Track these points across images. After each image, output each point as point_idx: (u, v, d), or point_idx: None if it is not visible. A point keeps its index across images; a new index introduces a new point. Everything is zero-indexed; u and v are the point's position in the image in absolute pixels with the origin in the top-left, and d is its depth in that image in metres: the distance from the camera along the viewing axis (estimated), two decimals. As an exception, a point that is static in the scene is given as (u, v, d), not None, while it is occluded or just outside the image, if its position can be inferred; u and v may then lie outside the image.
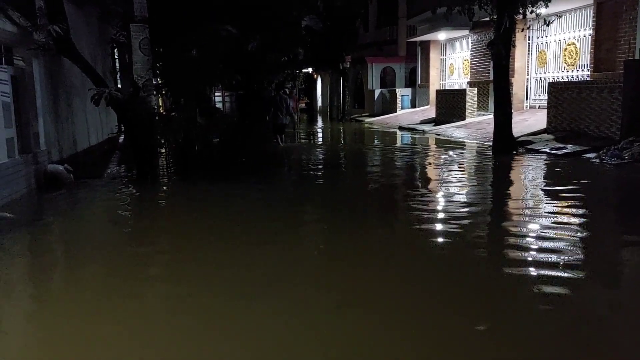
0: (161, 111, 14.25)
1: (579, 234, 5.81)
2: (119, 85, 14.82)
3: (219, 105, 39.31)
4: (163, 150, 12.28)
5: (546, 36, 17.16)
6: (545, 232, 5.82)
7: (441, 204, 7.68)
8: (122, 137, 15.47)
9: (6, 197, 7.77)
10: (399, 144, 16.71)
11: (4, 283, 4.93)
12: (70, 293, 4.59)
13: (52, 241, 6.59)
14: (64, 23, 9.44)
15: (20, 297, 4.61)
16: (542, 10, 12.27)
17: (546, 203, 7.45)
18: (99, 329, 3.77)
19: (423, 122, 20.91)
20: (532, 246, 5.39)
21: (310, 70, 36.78)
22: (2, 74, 8.18)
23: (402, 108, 26.00)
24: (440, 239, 5.96)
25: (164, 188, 9.70)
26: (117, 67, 15.94)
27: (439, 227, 6.40)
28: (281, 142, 16.02)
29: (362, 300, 4.16)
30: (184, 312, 4.02)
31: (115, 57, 16.27)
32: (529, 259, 5.02)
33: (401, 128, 20.91)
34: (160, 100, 15.67)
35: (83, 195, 8.97)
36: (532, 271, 4.69)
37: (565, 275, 4.53)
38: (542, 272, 4.61)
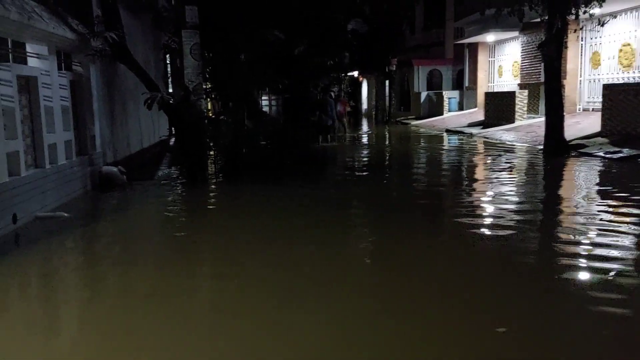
0: (210, 115, 14.53)
1: (636, 241, 5.62)
2: (170, 90, 15.19)
3: (265, 108, 39.79)
4: (212, 153, 12.52)
5: (600, 37, 16.64)
6: (601, 239, 5.64)
7: (491, 209, 7.53)
8: (172, 139, 15.85)
9: (63, 197, 8.09)
10: (446, 147, 16.51)
11: (59, 279, 5.15)
12: (122, 290, 4.75)
13: (106, 240, 6.81)
14: (120, 30, 9.77)
15: (75, 293, 4.80)
16: (596, 10, 11.93)
17: (603, 209, 7.19)
18: (148, 326, 3.89)
19: (471, 125, 20.59)
20: (587, 254, 5.24)
21: (355, 73, 36.82)
22: (62, 79, 8.53)
23: (449, 111, 25.69)
24: (489, 246, 5.82)
25: (213, 190, 9.89)
26: (169, 72, 16.35)
27: (488, 233, 6.27)
28: (326, 142, 17.05)
29: (401, 310, 4.11)
30: (231, 314, 4.11)
31: (167, 62, 16.69)
32: (583, 266, 4.89)
33: (448, 131, 20.66)
34: (209, 104, 15.98)
35: (135, 196, 9.27)
36: (586, 280, 4.57)
37: (620, 283, 4.39)
38: (597, 280, 4.49)
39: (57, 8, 8.69)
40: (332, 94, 25.13)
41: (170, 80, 16.02)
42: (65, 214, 7.37)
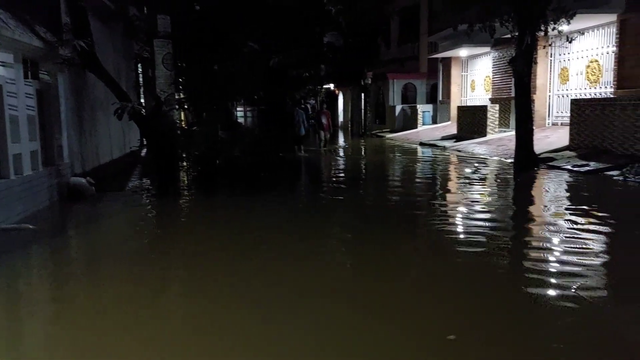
0: (183, 125, 14.41)
1: (600, 254, 5.71)
2: (142, 100, 15.04)
3: (241, 119, 39.65)
4: (185, 164, 12.39)
5: (568, 53, 17.02)
6: (566, 252, 5.71)
7: (462, 221, 7.59)
8: (144, 150, 15.68)
9: (29, 208, 7.90)
10: (420, 159, 16.63)
11: (24, 293, 5.01)
12: (86, 307, 4.62)
13: (72, 253, 6.68)
14: (89, 38, 9.64)
15: (40, 306, 4.67)
16: (564, 27, 12.18)
17: (568, 221, 7.31)
18: (110, 342, 3.79)
19: (444, 138, 20.81)
20: (553, 266, 5.30)
21: (331, 86, 37.00)
22: (28, 88, 8.36)
23: (423, 124, 25.94)
24: (459, 258, 5.83)
25: (185, 202, 9.76)
26: (141, 82, 16.19)
27: (459, 243, 6.31)
28: (300, 151, 17.68)
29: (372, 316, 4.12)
30: (202, 327, 4.03)
31: (139, 71, 16.53)
32: (549, 279, 4.93)
33: (422, 144, 20.83)
34: (182, 114, 15.86)
35: (104, 208, 9.09)
36: (552, 292, 4.61)
37: (585, 295, 4.43)
38: (563, 292, 4.53)
39: (24, 15, 8.55)
40: (306, 106, 25.29)
41: (142, 90, 15.86)
42: (31, 226, 7.19)
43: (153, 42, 10.04)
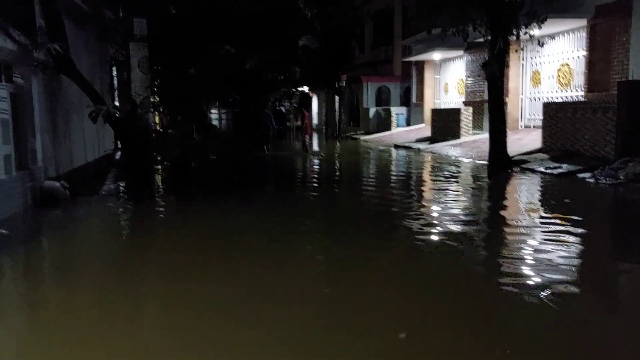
0: (158, 128, 14.29)
1: (572, 255, 5.85)
2: (117, 103, 14.87)
3: (215, 122, 39.43)
4: (159, 167, 12.29)
5: (540, 57, 17.36)
6: (539, 253, 5.84)
7: (434, 223, 7.68)
8: (118, 153, 15.50)
9: (2, 213, 7.75)
10: (394, 161, 16.79)
11: None
12: (62, 309, 4.59)
13: (46, 258, 6.58)
14: (64, 41, 9.51)
15: (15, 313, 4.60)
16: (536, 32, 12.44)
17: (540, 223, 7.48)
18: (87, 348, 3.76)
19: (418, 141, 21.03)
20: (524, 267, 5.42)
21: (306, 88, 37.06)
22: (1, 91, 8.21)
23: (397, 126, 26.18)
24: (432, 261, 5.87)
25: (160, 205, 9.68)
26: (116, 85, 16.00)
27: (430, 243, 6.42)
28: (267, 151, 19.07)
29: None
30: (175, 332, 4.02)
31: (114, 74, 16.34)
32: (521, 280, 5.04)
33: (396, 146, 21.02)
34: (157, 117, 15.72)
35: (79, 212, 8.97)
36: (526, 293, 4.70)
37: (551, 300, 4.49)
38: (536, 292, 4.63)
39: (-3, 17, 8.40)
40: (282, 108, 25.45)
41: (116, 93, 15.68)
42: (4, 231, 7.06)
43: (129, 45, 9.94)
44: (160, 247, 6.87)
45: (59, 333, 4.06)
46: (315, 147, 23.07)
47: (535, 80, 17.82)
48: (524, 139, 16.05)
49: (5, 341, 4.06)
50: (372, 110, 28.32)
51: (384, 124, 26.91)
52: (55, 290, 5.28)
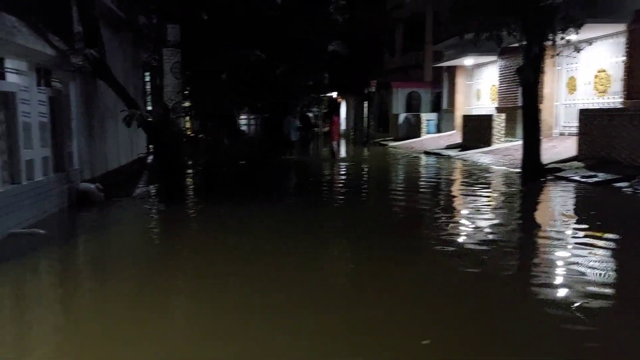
0: (189, 133, 14.49)
1: (609, 267, 5.68)
2: (150, 108, 15.09)
3: (245, 127, 39.77)
4: (190, 171, 12.43)
5: (576, 63, 17.03)
6: (573, 265, 5.67)
7: (465, 233, 7.54)
8: (151, 157, 15.72)
9: (39, 214, 7.92)
10: (424, 168, 16.64)
11: (36, 298, 5.01)
12: (98, 308, 4.65)
13: (82, 258, 6.69)
14: (100, 47, 9.70)
15: (51, 310, 4.68)
16: (573, 37, 12.21)
17: (575, 233, 7.29)
18: (121, 347, 3.80)
19: (449, 147, 20.81)
20: (556, 278, 5.28)
21: (334, 94, 37.11)
22: (41, 95, 8.40)
23: (427, 133, 25.95)
24: (462, 272, 5.62)
25: (190, 208, 9.78)
26: (148, 90, 16.27)
27: (461, 259, 6.11)
28: (291, 155, 19.42)
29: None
30: (214, 335, 4.03)
31: (147, 79, 16.61)
32: (557, 295, 4.91)
33: (426, 153, 20.84)
34: (188, 122, 15.93)
35: (112, 214, 9.13)
36: (559, 309, 4.53)
37: (582, 315, 4.34)
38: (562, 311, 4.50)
39: (37, 24, 8.62)
40: (310, 114, 25.69)
41: (149, 97, 15.94)
42: (41, 231, 7.20)
43: (162, 51, 10.09)
44: (189, 248, 6.95)
45: (94, 324, 4.12)
46: (343, 153, 23.05)
47: (571, 86, 17.49)
48: (558, 146, 15.75)
49: (43, 332, 4.14)
50: (402, 116, 28.15)
51: (414, 130, 26.73)
52: (91, 285, 5.39)
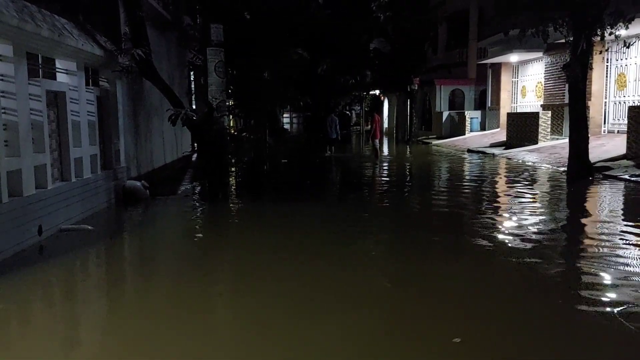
0: (232, 132, 14.68)
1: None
2: (194, 106, 15.38)
3: (287, 126, 40.05)
4: (234, 169, 12.61)
5: (626, 58, 16.47)
6: (621, 266, 5.51)
7: (510, 234, 7.40)
8: (195, 155, 16.02)
9: (88, 210, 8.20)
10: (468, 167, 16.39)
11: (83, 290, 5.21)
12: (141, 303, 4.80)
13: (129, 253, 6.90)
14: (147, 47, 9.94)
15: (98, 304, 4.85)
16: (622, 32, 11.81)
17: (624, 234, 7.05)
18: (165, 342, 3.90)
19: (493, 146, 20.45)
20: (603, 281, 5.14)
21: (377, 92, 36.92)
22: (89, 94, 8.69)
23: (470, 131, 25.54)
24: (508, 273, 5.58)
25: (234, 206, 9.94)
26: (193, 89, 16.58)
27: (507, 261, 6.02)
28: (330, 152, 20.01)
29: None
30: (255, 329, 4.11)
31: (191, 78, 16.93)
32: (599, 296, 4.78)
33: (470, 151, 20.52)
34: (232, 121, 16.14)
35: (158, 211, 9.37)
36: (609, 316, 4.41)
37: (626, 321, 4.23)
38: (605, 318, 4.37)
39: (86, 25, 8.91)
40: (352, 112, 25.61)
41: (193, 96, 16.24)
42: (89, 227, 7.46)
43: (206, 50, 10.26)
44: (232, 245, 7.08)
45: (141, 321, 4.24)
46: (385, 151, 22.93)
47: (621, 83, 16.91)
48: (606, 144, 15.26)
49: (92, 323, 4.31)
50: (445, 114, 27.78)
51: (457, 128, 26.35)
52: (138, 281, 5.57)
